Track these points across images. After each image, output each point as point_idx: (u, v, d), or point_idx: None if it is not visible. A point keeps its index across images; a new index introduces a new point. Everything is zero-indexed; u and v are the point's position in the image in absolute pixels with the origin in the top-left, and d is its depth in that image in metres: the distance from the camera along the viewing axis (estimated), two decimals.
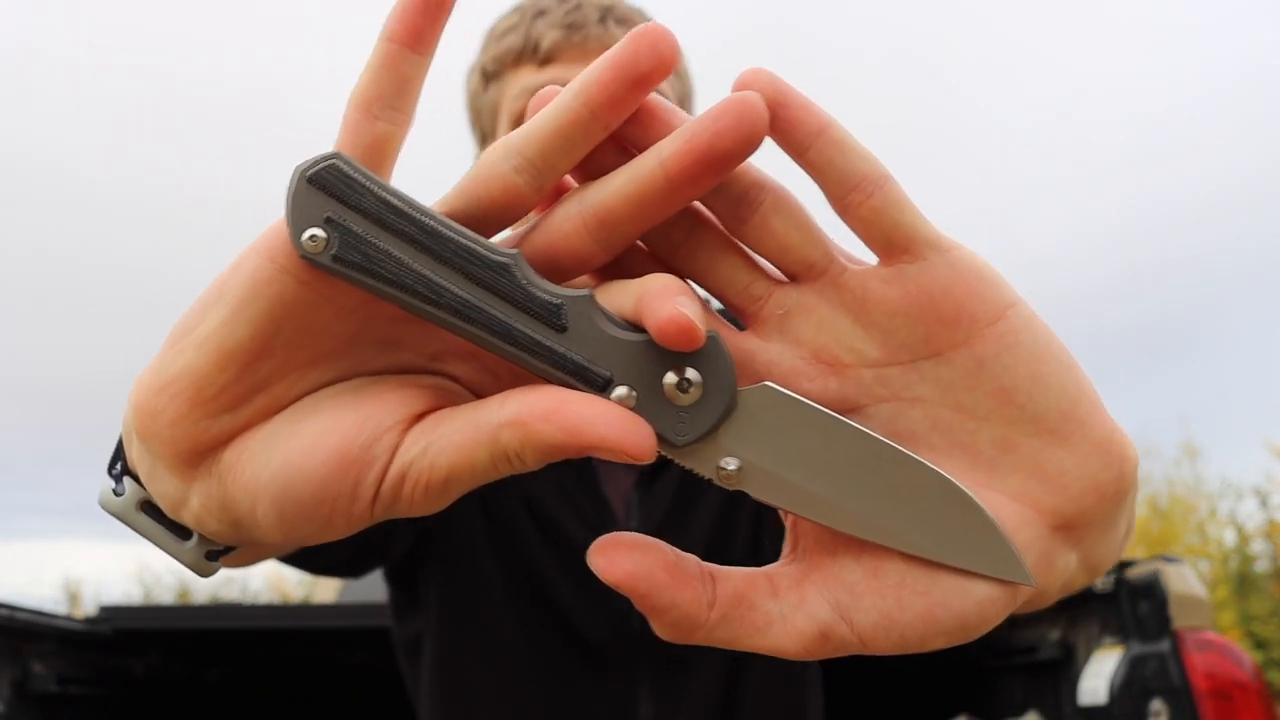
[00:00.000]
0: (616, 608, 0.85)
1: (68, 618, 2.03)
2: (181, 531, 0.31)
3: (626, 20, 0.80)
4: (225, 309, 0.26)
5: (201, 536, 0.31)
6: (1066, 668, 1.92)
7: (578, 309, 0.26)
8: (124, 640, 2.07)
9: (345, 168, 0.25)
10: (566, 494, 0.86)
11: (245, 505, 0.27)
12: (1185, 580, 1.62)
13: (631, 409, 0.26)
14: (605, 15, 0.78)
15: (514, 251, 0.26)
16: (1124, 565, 1.72)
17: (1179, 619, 1.56)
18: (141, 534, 0.31)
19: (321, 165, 0.25)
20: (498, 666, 0.86)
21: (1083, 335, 19.50)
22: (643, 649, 0.85)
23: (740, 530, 0.91)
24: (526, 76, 0.78)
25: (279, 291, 0.26)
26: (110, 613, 2.06)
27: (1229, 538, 11.17)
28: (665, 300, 0.25)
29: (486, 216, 0.28)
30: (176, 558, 0.31)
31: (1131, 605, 1.67)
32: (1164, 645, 1.56)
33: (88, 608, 12.30)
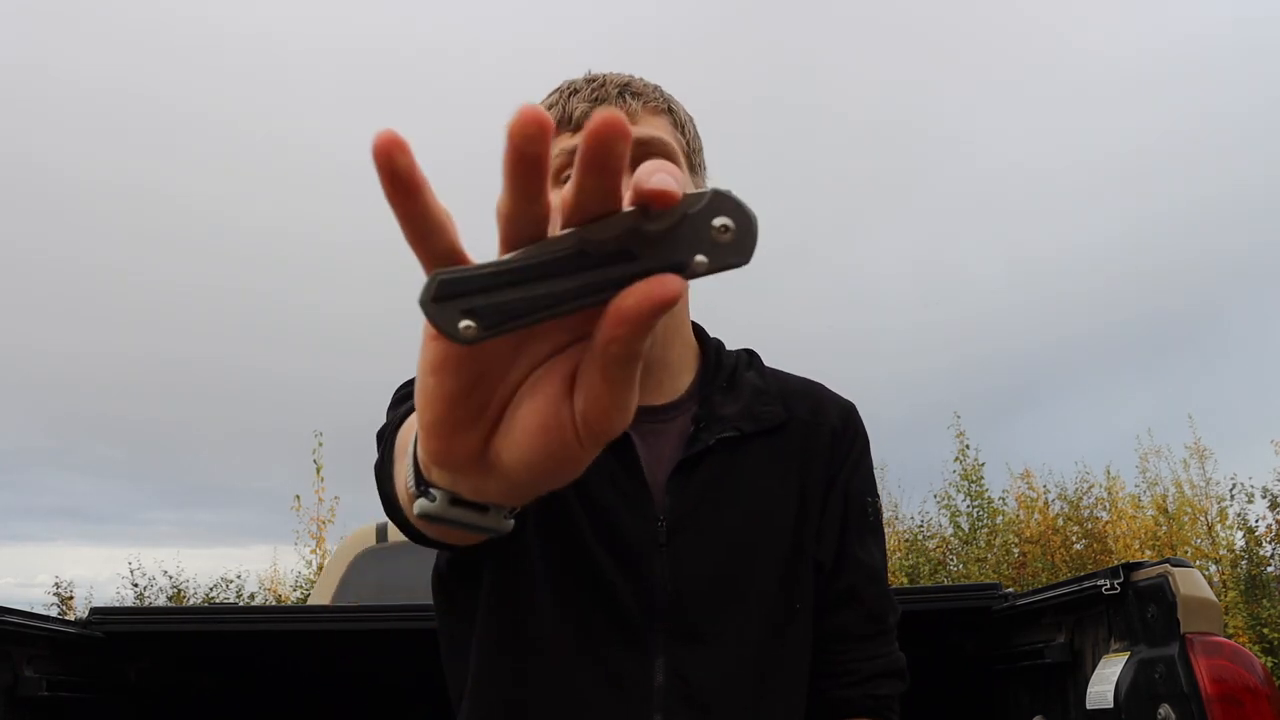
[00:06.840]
0: (649, 584, 0.95)
1: (59, 620, 2.01)
2: (482, 508, 0.48)
3: (641, 94, 1.00)
4: (432, 379, 0.40)
5: (496, 506, 0.48)
6: (1074, 671, 1.89)
7: (635, 231, 0.35)
8: (116, 643, 2.04)
9: (445, 276, 0.36)
10: (614, 481, 0.98)
11: (515, 477, 0.42)
12: (1194, 583, 1.58)
13: (708, 264, 0.35)
14: (623, 90, 0.99)
15: (570, 232, 0.36)
16: (1131, 568, 1.68)
17: (1187, 623, 1.52)
18: (454, 520, 0.48)
19: (433, 285, 0.36)
20: (537, 642, 0.95)
21: (1091, 335, 19.46)
22: (662, 623, 0.95)
23: (777, 525, 0.98)
24: (563, 141, 0.97)
25: (458, 357, 0.39)
26: (102, 615, 2.04)
27: (1238, 540, 11.12)
28: (644, 179, 0.36)
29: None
30: (482, 526, 0.48)
31: (1139, 609, 1.64)
32: (1172, 649, 1.53)
33: (79, 611, 12.32)
